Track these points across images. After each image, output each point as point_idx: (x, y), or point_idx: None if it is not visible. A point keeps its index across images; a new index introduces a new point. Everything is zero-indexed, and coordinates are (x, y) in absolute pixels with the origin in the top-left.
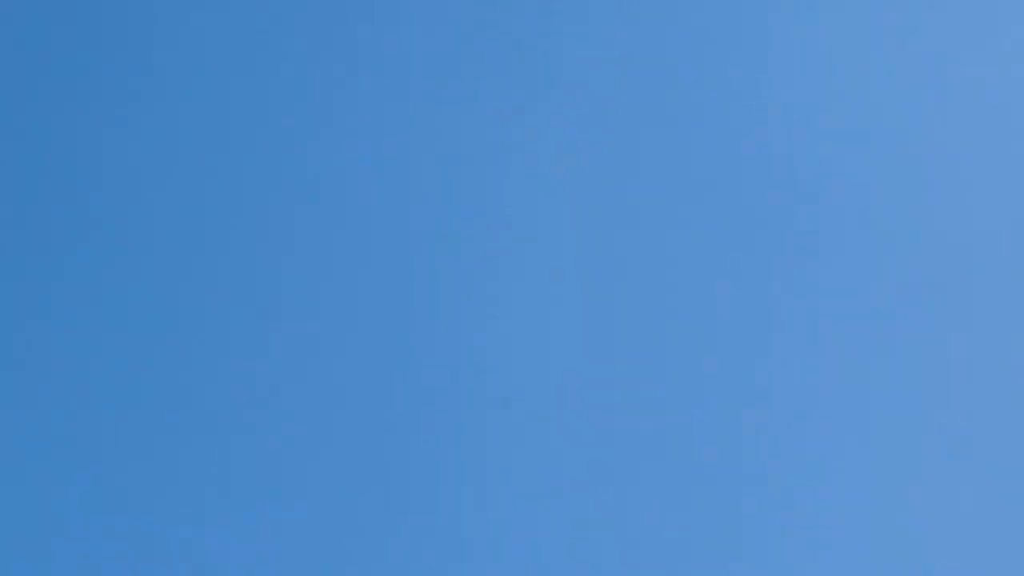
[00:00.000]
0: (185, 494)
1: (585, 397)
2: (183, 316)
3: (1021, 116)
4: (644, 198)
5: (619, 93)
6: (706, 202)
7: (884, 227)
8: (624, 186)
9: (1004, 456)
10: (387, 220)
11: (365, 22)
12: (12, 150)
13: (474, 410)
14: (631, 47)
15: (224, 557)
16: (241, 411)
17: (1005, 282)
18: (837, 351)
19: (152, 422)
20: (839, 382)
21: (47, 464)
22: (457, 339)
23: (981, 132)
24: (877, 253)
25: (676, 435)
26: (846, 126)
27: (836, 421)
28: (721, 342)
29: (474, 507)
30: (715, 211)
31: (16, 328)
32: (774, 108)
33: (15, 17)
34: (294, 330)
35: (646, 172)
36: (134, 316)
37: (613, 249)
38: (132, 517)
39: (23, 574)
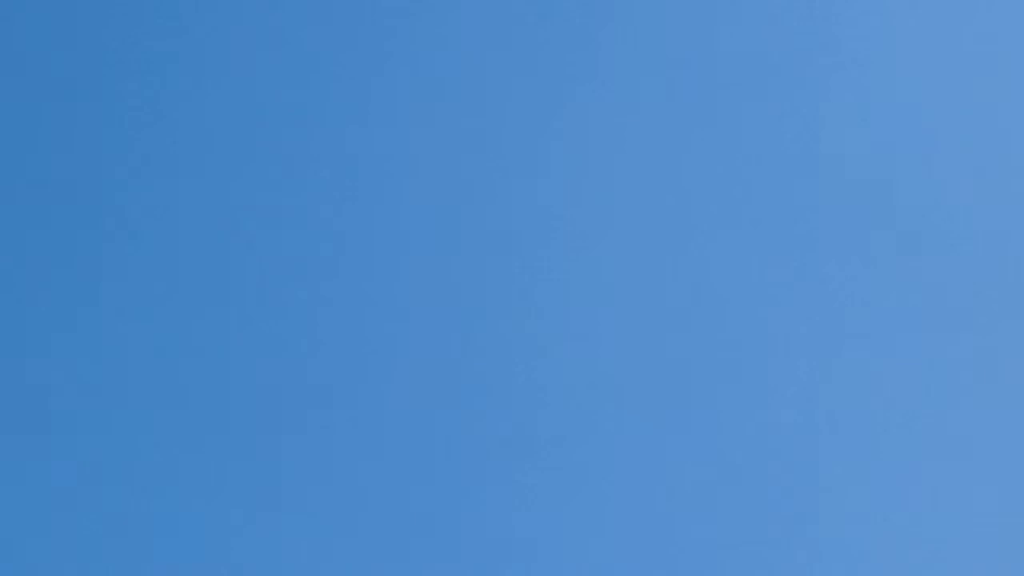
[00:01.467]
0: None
1: (620, 401)
2: (210, 317)
3: None
4: (683, 194)
5: (654, 87)
6: (745, 200)
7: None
8: (661, 182)
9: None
10: (417, 222)
11: (394, 19)
12: (21, 152)
13: (511, 410)
14: (666, 42)
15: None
16: (262, 413)
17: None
18: (873, 356)
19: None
20: (872, 383)
21: (49, 464)
22: (493, 341)
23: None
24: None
25: (698, 438)
26: (896, 124)
27: (861, 424)
28: (755, 342)
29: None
30: (751, 210)
31: (20, 330)
32: (806, 103)
33: (17, 20)
34: (318, 333)
35: (682, 168)
36: (148, 320)
37: (650, 248)
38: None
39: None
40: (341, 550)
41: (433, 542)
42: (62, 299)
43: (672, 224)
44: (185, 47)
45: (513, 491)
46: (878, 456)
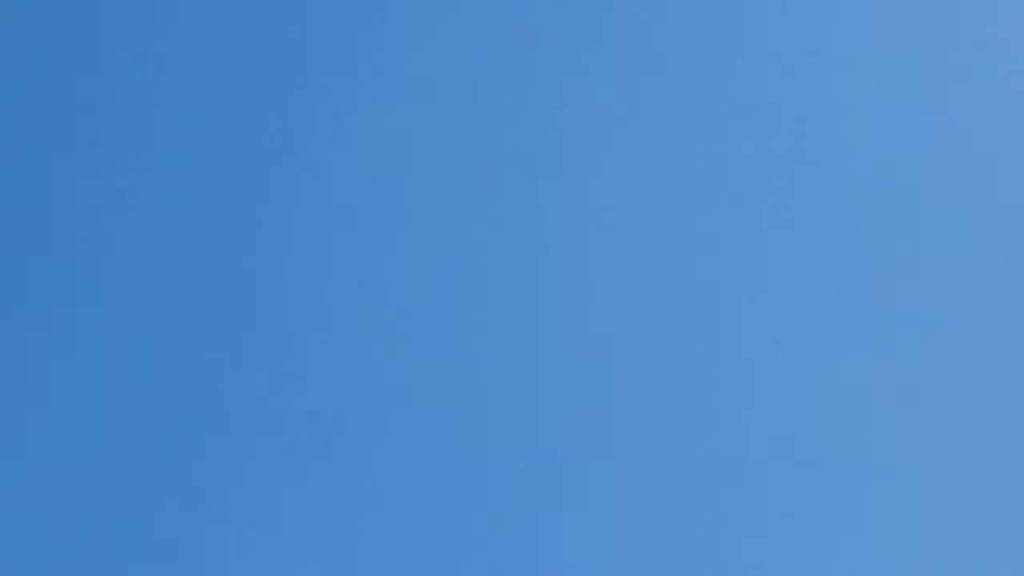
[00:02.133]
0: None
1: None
2: (209, 318)
3: None
4: (682, 194)
5: (653, 87)
6: (745, 199)
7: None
8: (661, 182)
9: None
10: (411, 227)
11: (394, 18)
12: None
13: (517, 414)
14: (666, 42)
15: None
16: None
17: None
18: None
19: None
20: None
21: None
22: (498, 346)
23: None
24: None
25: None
26: (894, 123)
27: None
28: (759, 344)
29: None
30: (751, 210)
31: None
32: (808, 105)
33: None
34: (317, 333)
35: (682, 168)
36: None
37: (650, 247)
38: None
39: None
40: (339, 550)
41: (433, 543)
42: (62, 299)
43: (672, 224)
44: (185, 47)
45: (513, 491)
46: (877, 456)
